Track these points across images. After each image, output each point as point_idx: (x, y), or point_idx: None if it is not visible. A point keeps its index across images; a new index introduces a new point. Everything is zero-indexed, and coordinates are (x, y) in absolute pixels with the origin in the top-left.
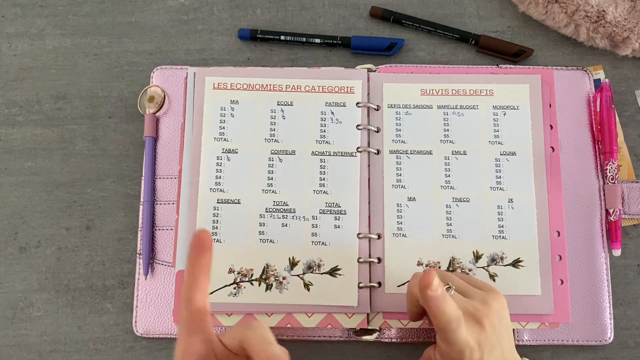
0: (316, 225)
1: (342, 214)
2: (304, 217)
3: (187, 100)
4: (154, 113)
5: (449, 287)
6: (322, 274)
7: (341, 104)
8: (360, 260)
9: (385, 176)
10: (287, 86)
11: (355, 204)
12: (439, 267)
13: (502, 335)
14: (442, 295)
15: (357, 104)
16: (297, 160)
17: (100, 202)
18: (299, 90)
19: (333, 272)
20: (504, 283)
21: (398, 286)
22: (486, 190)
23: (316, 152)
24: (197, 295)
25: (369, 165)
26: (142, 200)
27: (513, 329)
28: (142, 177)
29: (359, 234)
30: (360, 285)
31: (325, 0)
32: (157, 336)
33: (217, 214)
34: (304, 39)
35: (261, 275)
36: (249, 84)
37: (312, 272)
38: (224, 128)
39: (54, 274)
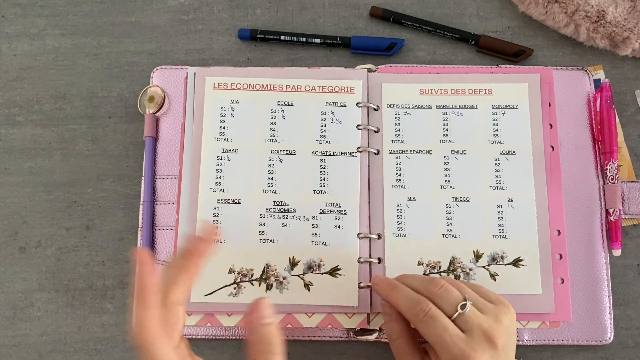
0: (316, 225)
1: (342, 214)
2: (304, 217)
3: (187, 100)
4: (154, 113)
5: (465, 304)
6: (322, 274)
7: (341, 104)
8: (361, 260)
9: (385, 176)
10: (287, 86)
11: (355, 204)
12: (440, 267)
13: (508, 351)
14: (392, 284)
15: (357, 104)
16: (298, 160)
17: (100, 202)
18: (299, 90)
19: (333, 272)
20: (505, 282)
21: None
22: (486, 189)
23: (316, 152)
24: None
25: (368, 165)
26: (142, 200)
27: None
28: (142, 177)
29: (359, 234)
30: (361, 285)
31: (325, 0)
32: None
33: (217, 214)
34: (304, 39)
35: (261, 275)
36: (249, 84)
37: (312, 272)
38: (224, 128)
39: (54, 274)
